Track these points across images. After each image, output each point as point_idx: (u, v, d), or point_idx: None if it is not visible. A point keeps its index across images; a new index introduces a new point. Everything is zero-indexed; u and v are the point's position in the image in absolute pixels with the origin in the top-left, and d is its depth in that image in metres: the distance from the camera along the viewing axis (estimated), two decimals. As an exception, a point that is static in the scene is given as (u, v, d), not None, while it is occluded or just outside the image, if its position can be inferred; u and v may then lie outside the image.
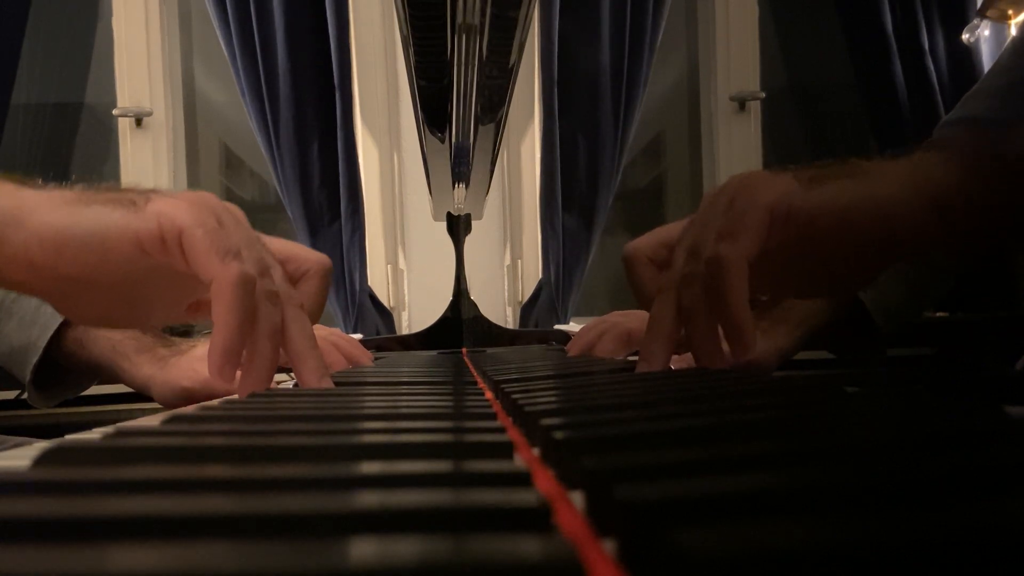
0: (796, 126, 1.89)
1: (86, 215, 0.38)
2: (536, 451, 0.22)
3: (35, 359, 0.63)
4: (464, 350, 1.07)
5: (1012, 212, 0.43)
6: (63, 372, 0.67)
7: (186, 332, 1.26)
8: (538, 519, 0.13)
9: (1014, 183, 0.42)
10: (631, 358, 0.67)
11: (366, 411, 0.30)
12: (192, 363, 0.63)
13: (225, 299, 0.37)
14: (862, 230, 0.42)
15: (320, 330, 0.67)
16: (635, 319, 0.68)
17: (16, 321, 0.64)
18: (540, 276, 1.57)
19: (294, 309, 0.41)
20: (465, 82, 0.59)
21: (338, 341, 0.67)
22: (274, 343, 0.40)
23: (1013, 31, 1.52)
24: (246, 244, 0.39)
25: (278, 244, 0.52)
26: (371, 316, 1.53)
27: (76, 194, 0.39)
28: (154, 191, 0.40)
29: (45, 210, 0.37)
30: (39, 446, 0.22)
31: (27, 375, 0.64)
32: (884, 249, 0.44)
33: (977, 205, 0.42)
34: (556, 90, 1.53)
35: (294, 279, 0.52)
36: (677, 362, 0.61)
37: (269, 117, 1.50)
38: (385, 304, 1.58)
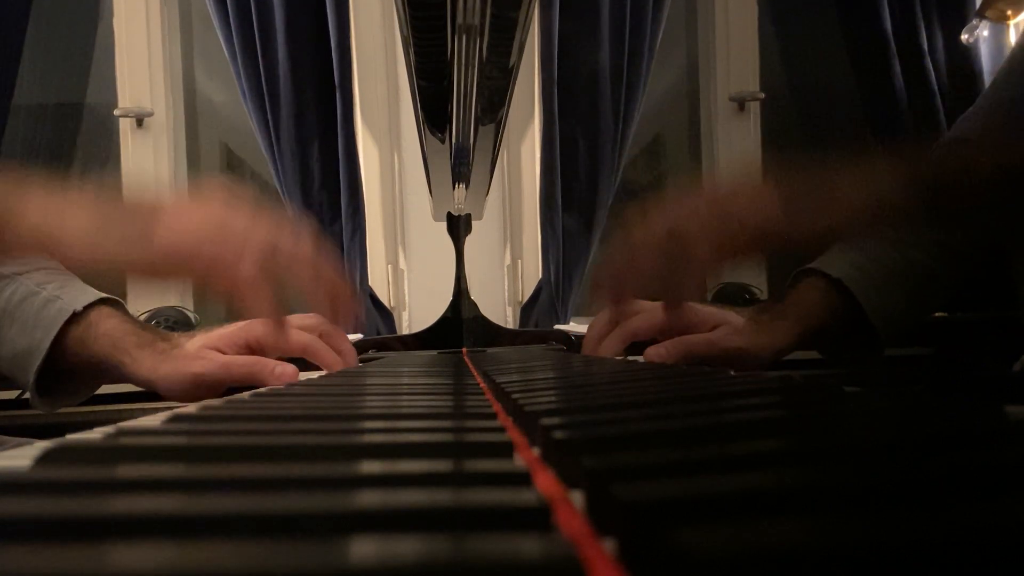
0: (796, 126, 1.89)
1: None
2: (536, 451, 0.22)
3: (38, 361, 0.63)
4: (464, 350, 1.07)
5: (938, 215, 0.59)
6: (67, 375, 0.67)
7: (186, 326, 1.26)
8: (538, 519, 0.13)
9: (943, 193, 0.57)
10: (632, 357, 0.67)
11: (366, 411, 0.30)
12: (199, 352, 0.62)
13: (247, 296, 0.49)
14: (820, 239, 0.60)
15: (307, 319, 0.67)
16: (639, 318, 0.68)
17: (19, 326, 0.64)
18: (540, 276, 1.57)
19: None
20: (465, 82, 0.59)
21: (328, 330, 0.66)
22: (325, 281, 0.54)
23: (1012, 31, 1.52)
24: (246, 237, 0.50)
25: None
26: (371, 316, 1.53)
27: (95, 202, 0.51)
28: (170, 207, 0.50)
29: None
30: (39, 446, 0.22)
31: (31, 378, 0.64)
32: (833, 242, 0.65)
33: (911, 208, 0.56)
34: (556, 90, 1.53)
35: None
36: (665, 357, 0.61)
37: (269, 117, 1.50)
38: (385, 304, 1.58)
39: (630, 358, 0.68)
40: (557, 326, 1.45)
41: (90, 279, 0.67)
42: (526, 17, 0.51)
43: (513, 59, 0.56)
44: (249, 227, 0.49)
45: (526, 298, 1.58)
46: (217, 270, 0.46)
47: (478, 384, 0.43)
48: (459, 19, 0.49)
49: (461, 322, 1.11)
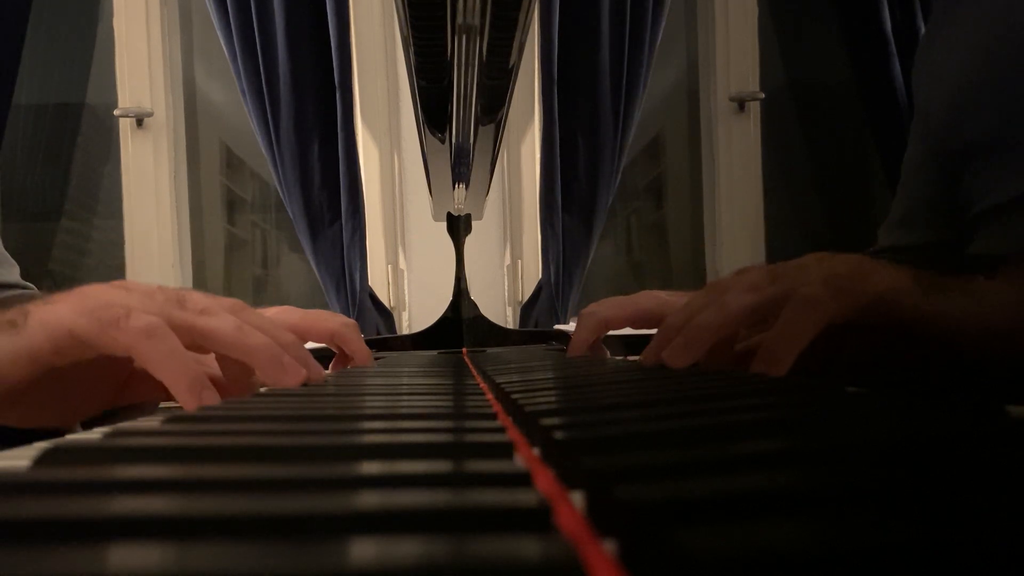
0: (795, 126, 1.89)
1: None
2: (536, 451, 0.22)
3: None
4: (464, 350, 1.07)
5: None
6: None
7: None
8: (538, 519, 0.13)
9: None
10: (632, 357, 0.67)
11: (366, 411, 0.30)
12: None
13: (149, 353, 0.38)
14: (957, 344, 0.44)
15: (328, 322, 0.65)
16: (608, 306, 0.67)
17: None
18: (540, 276, 1.57)
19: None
20: (465, 82, 0.59)
21: (343, 333, 0.65)
22: (243, 336, 0.41)
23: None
24: (140, 302, 0.40)
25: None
26: (371, 316, 1.53)
27: None
28: (33, 304, 0.40)
29: None
30: (39, 446, 0.22)
31: None
32: (963, 360, 0.46)
33: None
34: (556, 90, 1.53)
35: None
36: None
37: (269, 117, 1.50)
38: (385, 304, 1.58)
39: (630, 358, 0.68)
40: (557, 326, 1.45)
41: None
42: (526, 17, 0.51)
43: (513, 59, 0.56)
44: (131, 296, 0.41)
45: (526, 298, 1.59)
46: (105, 335, 0.38)
47: (478, 384, 0.43)
48: (459, 19, 0.49)
49: (461, 322, 1.11)
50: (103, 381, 0.47)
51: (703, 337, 0.43)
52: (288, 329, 0.57)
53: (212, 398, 0.39)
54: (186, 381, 0.38)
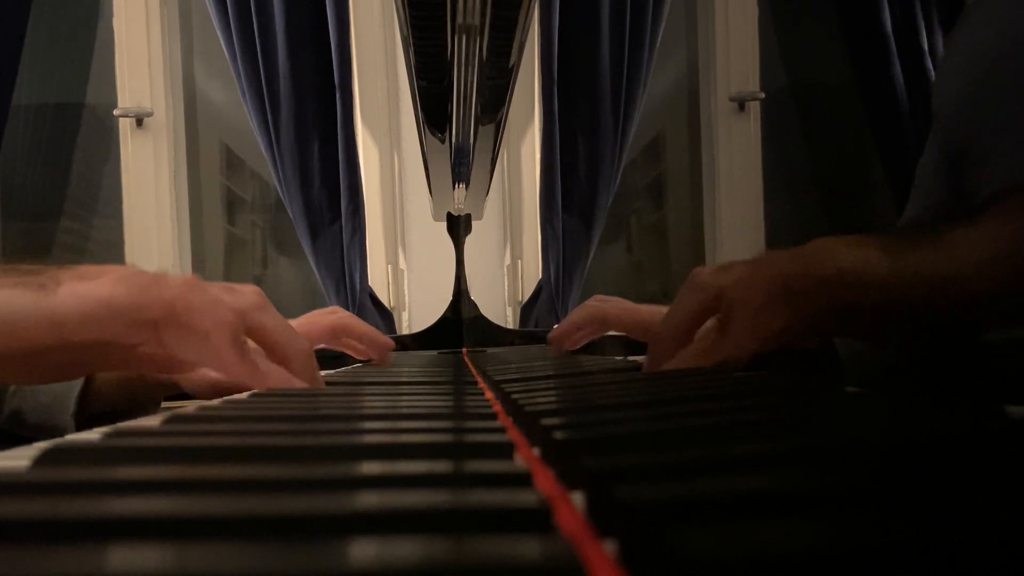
0: (796, 126, 1.89)
1: None
2: (536, 451, 0.22)
3: (76, 391, 0.61)
4: (464, 350, 1.07)
5: None
6: (103, 398, 0.65)
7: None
8: (538, 519, 0.13)
9: None
10: (632, 358, 0.67)
11: (366, 411, 0.30)
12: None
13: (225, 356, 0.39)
14: (935, 304, 0.42)
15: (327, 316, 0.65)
16: (613, 304, 0.68)
17: None
18: (540, 276, 1.57)
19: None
20: (465, 82, 0.59)
21: (348, 325, 0.65)
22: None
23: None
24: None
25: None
26: (371, 316, 1.53)
27: None
28: (67, 270, 0.41)
29: None
30: (39, 446, 0.22)
31: (71, 408, 0.62)
32: (947, 317, 0.44)
33: None
34: (556, 90, 1.53)
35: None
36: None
37: (269, 117, 1.50)
38: (385, 304, 1.58)
39: (630, 358, 0.68)
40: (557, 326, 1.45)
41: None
42: (526, 17, 0.51)
43: (513, 59, 0.56)
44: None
45: (526, 298, 1.59)
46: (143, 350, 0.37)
47: (478, 384, 0.43)
48: (459, 19, 0.49)
49: (461, 322, 1.11)
50: (109, 361, 0.47)
51: (665, 348, 0.44)
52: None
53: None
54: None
